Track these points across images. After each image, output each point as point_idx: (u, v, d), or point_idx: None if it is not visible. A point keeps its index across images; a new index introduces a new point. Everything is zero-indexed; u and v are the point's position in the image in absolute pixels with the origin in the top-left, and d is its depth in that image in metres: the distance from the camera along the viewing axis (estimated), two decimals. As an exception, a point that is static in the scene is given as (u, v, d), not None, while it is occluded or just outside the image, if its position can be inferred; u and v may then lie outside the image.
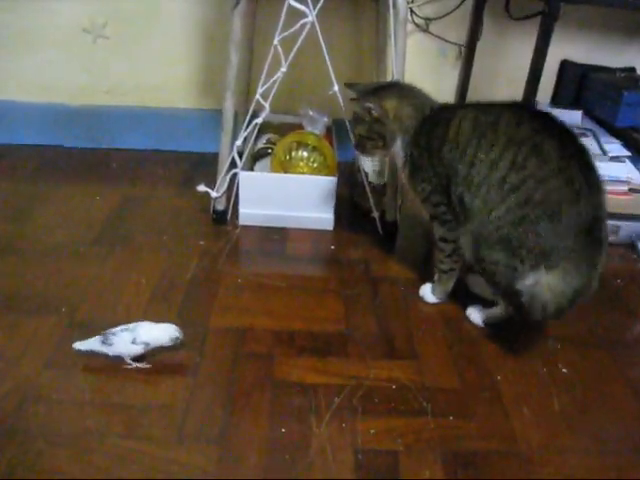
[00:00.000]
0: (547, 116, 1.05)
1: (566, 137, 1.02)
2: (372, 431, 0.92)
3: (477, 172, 1.03)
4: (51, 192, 1.55)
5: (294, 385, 1.00)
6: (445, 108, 1.17)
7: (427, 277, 1.27)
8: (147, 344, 1.00)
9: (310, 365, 1.04)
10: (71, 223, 1.40)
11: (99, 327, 1.04)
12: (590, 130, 1.56)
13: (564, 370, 1.07)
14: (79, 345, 1.02)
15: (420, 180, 1.14)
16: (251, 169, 1.52)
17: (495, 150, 1.02)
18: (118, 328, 1.01)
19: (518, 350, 1.11)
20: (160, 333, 1.01)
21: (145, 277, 1.24)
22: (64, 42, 1.73)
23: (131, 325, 1.01)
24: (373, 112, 1.13)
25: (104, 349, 1.00)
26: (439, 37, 1.75)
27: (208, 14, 1.70)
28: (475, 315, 1.18)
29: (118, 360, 1.01)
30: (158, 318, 1.05)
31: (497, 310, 1.15)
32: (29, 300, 1.17)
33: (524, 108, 1.13)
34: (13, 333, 1.08)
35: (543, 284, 0.99)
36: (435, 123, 1.12)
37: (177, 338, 1.01)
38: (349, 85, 1.21)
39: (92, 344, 1.01)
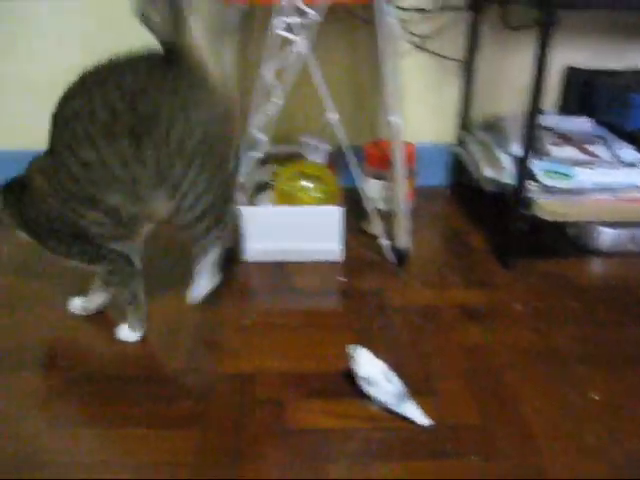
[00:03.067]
0: None
1: None
2: (391, 478, 0.86)
3: None
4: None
5: (306, 431, 0.94)
6: None
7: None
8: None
9: (322, 408, 0.98)
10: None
11: (103, 379, 1.00)
12: (601, 137, 1.51)
13: (595, 397, 1.00)
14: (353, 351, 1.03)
15: None
16: (254, 203, 1.48)
17: None
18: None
19: (542, 378, 1.05)
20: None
21: (150, 322, 1.19)
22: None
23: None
24: None
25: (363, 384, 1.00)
26: (437, 54, 1.71)
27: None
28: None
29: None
30: (164, 366, 1.00)
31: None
32: (27, 354, 1.13)
33: None
34: (8, 393, 1.04)
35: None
36: None
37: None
38: None
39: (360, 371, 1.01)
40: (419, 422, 0.96)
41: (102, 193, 0.99)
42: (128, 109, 0.93)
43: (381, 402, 0.98)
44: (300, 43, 1.19)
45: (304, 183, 1.41)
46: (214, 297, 1.27)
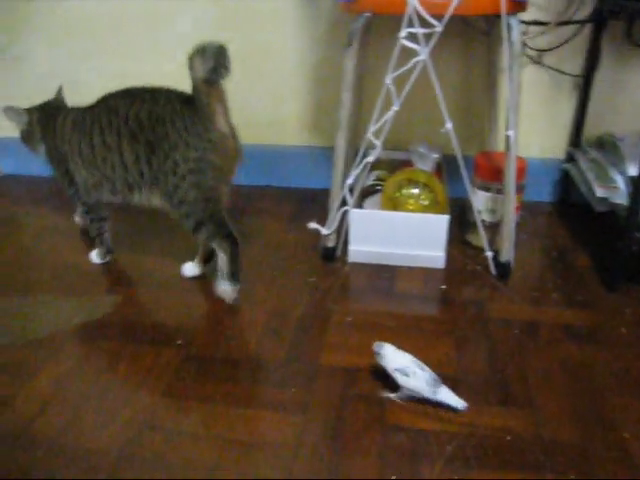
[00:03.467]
0: None
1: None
2: (486, 484, 0.88)
3: None
4: (166, 226, 1.63)
5: (405, 430, 0.97)
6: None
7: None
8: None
9: (421, 410, 1.02)
10: (182, 256, 1.46)
11: (214, 360, 1.08)
12: None
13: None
14: (379, 348, 1.06)
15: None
16: (360, 206, 1.52)
17: None
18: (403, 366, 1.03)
19: (647, 404, 1.03)
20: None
21: (257, 312, 1.27)
22: (181, 86, 1.83)
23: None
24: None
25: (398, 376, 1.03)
26: (554, 69, 1.69)
27: (318, 52, 1.74)
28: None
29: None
30: (269, 353, 1.06)
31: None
32: (147, 331, 1.23)
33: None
34: (133, 363, 1.14)
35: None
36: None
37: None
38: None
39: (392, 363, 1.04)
40: (455, 406, 1.01)
41: (99, 169, 1.30)
42: (150, 126, 1.21)
43: (418, 391, 1.01)
44: (422, 53, 1.22)
45: (412, 190, 1.44)
46: (318, 294, 1.33)
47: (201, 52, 1.12)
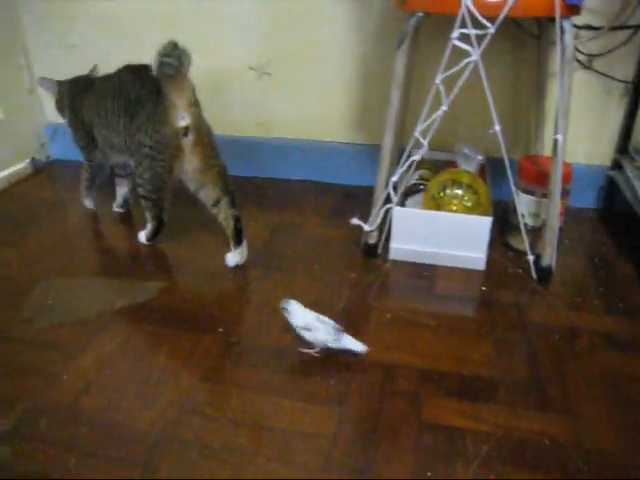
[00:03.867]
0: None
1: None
2: (522, 486, 0.88)
3: None
4: (208, 217, 1.65)
5: (441, 427, 0.98)
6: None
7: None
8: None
9: (458, 408, 1.02)
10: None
11: (254, 348, 1.10)
12: None
13: None
14: (286, 304, 1.15)
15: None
16: (402, 204, 1.53)
17: None
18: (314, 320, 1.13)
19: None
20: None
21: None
22: (233, 79, 1.87)
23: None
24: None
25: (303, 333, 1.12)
26: (604, 74, 1.67)
27: (367, 51, 1.75)
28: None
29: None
30: (309, 345, 1.08)
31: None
32: (189, 318, 1.25)
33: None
34: (174, 348, 1.16)
35: None
36: None
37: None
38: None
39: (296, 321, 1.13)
40: (356, 350, 1.12)
41: (108, 129, 1.48)
42: (133, 103, 1.39)
43: (322, 342, 1.11)
44: (474, 54, 1.22)
45: (456, 191, 1.44)
46: (359, 289, 1.34)
47: (158, 50, 1.25)
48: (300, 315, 1.13)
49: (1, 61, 1.89)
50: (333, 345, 1.11)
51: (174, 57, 1.24)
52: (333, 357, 1.13)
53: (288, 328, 1.16)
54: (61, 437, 0.97)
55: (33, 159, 2.05)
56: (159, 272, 1.43)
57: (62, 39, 1.94)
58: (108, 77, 1.50)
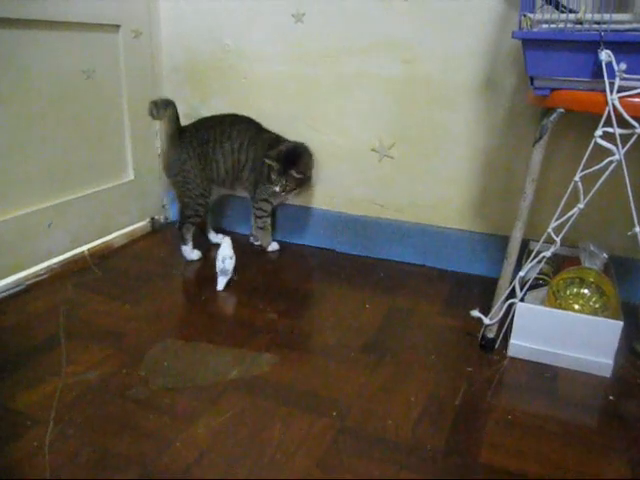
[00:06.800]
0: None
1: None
2: None
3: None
4: (323, 292, 1.66)
5: None
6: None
7: None
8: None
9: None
10: (342, 326, 1.47)
11: (368, 437, 1.05)
12: None
13: None
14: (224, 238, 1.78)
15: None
16: (522, 300, 1.48)
17: None
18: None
19: None
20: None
21: (414, 395, 1.24)
22: (354, 159, 1.91)
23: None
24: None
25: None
26: None
27: (492, 141, 1.74)
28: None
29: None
30: (425, 440, 1.03)
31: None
32: (302, 396, 1.23)
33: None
34: (288, 427, 1.14)
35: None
36: None
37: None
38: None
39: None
40: (217, 288, 1.70)
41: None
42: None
43: (219, 269, 1.70)
44: (617, 153, 1.19)
45: (582, 290, 1.38)
46: (476, 385, 1.28)
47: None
48: (225, 250, 1.70)
49: (139, 127, 2.02)
50: (218, 273, 1.70)
51: (159, 107, 1.77)
52: (454, 458, 1.07)
53: (401, 422, 1.12)
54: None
55: (152, 219, 2.15)
56: (273, 344, 1.43)
57: (196, 109, 2.05)
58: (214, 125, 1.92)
